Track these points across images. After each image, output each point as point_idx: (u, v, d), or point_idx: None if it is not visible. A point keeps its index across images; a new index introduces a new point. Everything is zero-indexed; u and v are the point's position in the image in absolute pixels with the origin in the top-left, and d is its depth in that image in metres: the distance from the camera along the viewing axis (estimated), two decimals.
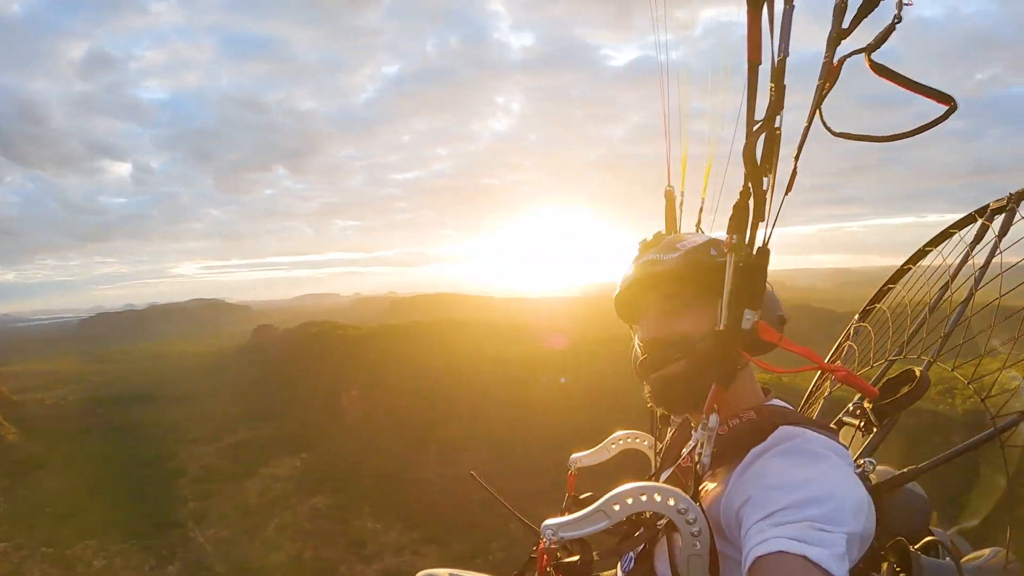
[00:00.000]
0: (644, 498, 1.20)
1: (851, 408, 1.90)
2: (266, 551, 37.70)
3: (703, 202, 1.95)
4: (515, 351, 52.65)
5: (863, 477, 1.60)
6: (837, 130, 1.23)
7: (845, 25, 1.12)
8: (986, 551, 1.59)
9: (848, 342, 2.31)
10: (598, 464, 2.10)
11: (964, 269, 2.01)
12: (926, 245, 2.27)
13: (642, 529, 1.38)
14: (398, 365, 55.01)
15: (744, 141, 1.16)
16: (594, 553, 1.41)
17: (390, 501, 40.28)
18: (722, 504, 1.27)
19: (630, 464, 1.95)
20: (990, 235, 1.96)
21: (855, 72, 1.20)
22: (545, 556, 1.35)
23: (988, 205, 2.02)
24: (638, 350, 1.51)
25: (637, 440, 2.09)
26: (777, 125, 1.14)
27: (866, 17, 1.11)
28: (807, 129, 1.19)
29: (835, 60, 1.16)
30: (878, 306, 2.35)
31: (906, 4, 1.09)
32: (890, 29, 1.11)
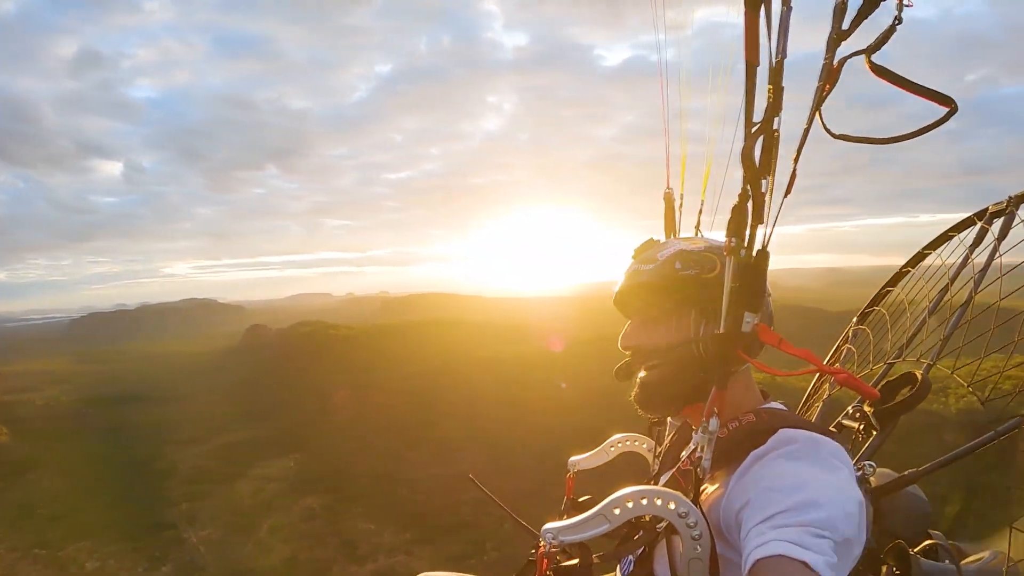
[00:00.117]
0: (645, 502, 1.19)
1: (850, 411, 1.90)
2: (259, 552, 37.58)
3: (703, 203, 1.95)
4: (508, 350, 52.69)
5: (863, 480, 1.60)
6: (836, 132, 1.23)
7: (845, 26, 1.11)
8: (986, 553, 1.59)
9: (847, 344, 2.31)
10: (596, 467, 2.10)
11: (963, 272, 2.01)
12: (925, 248, 2.28)
13: (641, 532, 1.38)
14: (391, 365, 54.97)
15: (743, 143, 1.16)
16: (593, 556, 1.41)
17: (383, 501, 40.22)
18: (722, 507, 1.26)
19: (628, 467, 1.94)
20: (989, 238, 1.96)
21: (846, 73, 1.20)
22: (545, 560, 1.35)
23: (987, 208, 2.02)
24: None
25: (636, 443, 2.09)
26: (775, 127, 1.14)
27: (866, 18, 1.10)
28: (807, 131, 1.19)
29: (835, 62, 1.15)
30: (877, 308, 2.35)
31: (906, 5, 1.09)
32: (891, 30, 1.11)
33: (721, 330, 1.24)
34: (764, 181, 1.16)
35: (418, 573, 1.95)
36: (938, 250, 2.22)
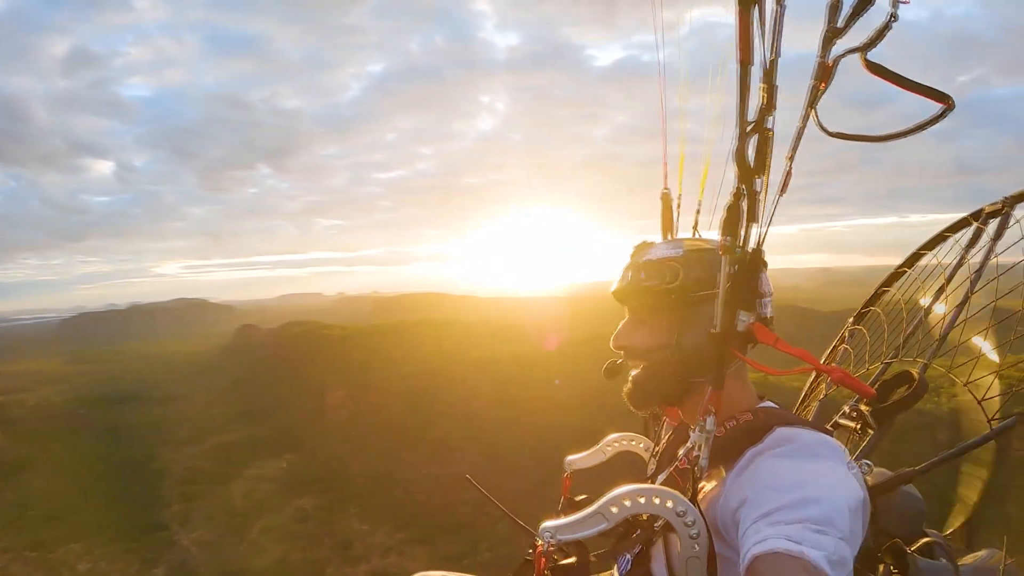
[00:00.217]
0: (642, 500, 1.19)
1: (847, 410, 1.90)
2: (252, 553, 37.43)
3: (700, 204, 1.95)
4: (502, 350, 52.58)
5: (859, 479, 1.60)
6: (832, 130, 1.23)
7: (840, 24, 1.12)
8: (982, 552, 1.59)
9: (844, 344, 2.32)
10: (593, 466, 2.10)
11: (959, 272, 2.03)
12: (921, 248, 2.29)
13: (639, 531, 1.38)
14: (384, 365, 54.79)
15: (736, 142, 1.17)
16: (591, 555, 1.41)
17: (377, 502, 40.12)
18: (719, 505, 1.27)
19: (626, 467, 1.94)
20: (985, 238, 1.98)
21: (841, 73, 1.20)
22: (543, 558, 1.35)
23: (983, 208, 2.03)
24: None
25: (632, 442, 2.08)
26: (769, 126, 1.15)
27: (861, 15, 1.10)
28: (801, 129, 1.19)
29: (829, 60, 1.16)
30: (873, 308, 2.36)
31: (902, 2, 1.08)
32: (885, 27, 1.11)
33: (716, 329, 1.25)
34: (759, 180, 1.17)
35: (413, 573, 1.95)
36: (934, 250, 2.23)
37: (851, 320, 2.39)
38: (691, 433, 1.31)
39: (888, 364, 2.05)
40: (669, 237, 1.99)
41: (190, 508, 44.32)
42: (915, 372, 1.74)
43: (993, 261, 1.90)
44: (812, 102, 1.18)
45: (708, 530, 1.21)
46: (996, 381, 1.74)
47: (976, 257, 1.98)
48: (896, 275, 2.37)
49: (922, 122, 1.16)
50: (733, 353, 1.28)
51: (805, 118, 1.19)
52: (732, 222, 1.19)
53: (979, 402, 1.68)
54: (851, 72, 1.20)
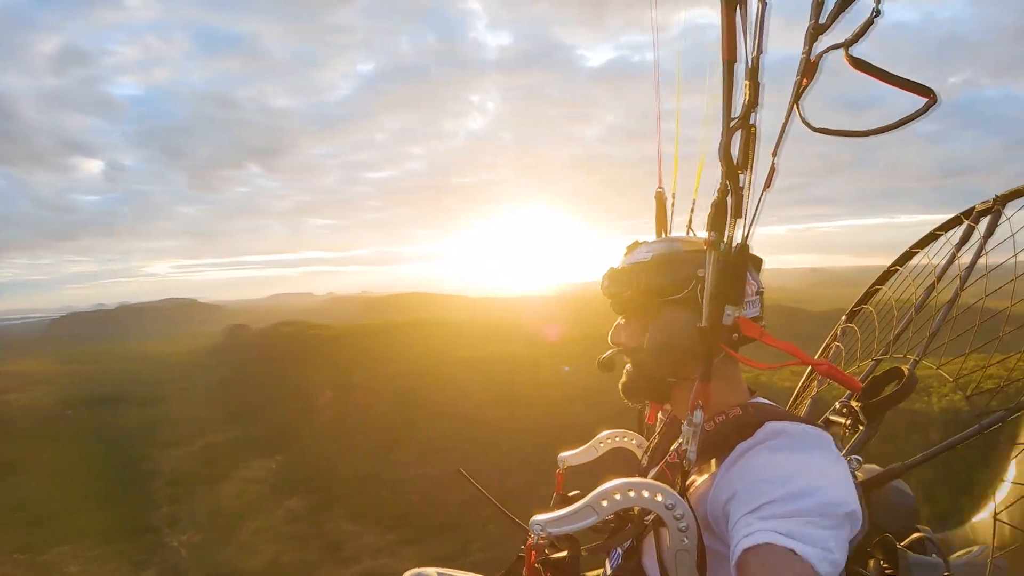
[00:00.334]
0: (632, 494, 1.20)
1: (838, 406, 1.91)
2: (242, 555, 37.19)
3: (694, 202, 1.97)
4: (493, 350, 52.52)
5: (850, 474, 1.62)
6: (816, 125, 1.24)
7: (823, 20, 1.13)
8: (974, 548, 1.60)
9: (835, 342, 2.34)
10: (586, 462, 2.11)
11: (950, 270, 2.04)
12: (913, 247, 2.30)
13: (630, 525, 1.39)
14: (374, 365, 54.57)
15: (721, 139, 1.18)
16: (582, 549, 1.42)
17: (367, 502, 39.93)
18: (709, 499, 1.27)
19: (619, 463, 1.95)
20: (975, 236, 1.99)
21: (829, 74, 1.22)
22: (533, 552, 1.36)
23: (974, 207, 2.04)
24: None
25: (625, 438, 2.09)
26: (754, 122, 1.16)
27: (845, 11, 1.11)
28: (785, 125, 1.20)
29: (813, 56, 1.16)
30: (865, 307, 2.38)
31: None
32: (869, 23, 1.11)
33: (704, 323, 1.27)
34: (743, 176, 1.19)
35: (406, 571, 1.95)
36: (925, 249, 2.25)
37: (844, 318, 2.41)
38: (682, 428, 1.32)
39: (878, 361, 2.06)
40: (663, 235, 2.00)
41: (180, 509, 44.05)
42: (905, 368, 1.76)
43: (983, 259, 1.92)
44: (796, 98, 1.19)
45: (697, 524, 1.21)
46: (984, 378, 1.75)
47: (967, 255, 2.00)
48: (888, 273, 2.38)
49: (906, 117, 1.16)
50: (720, 347, 1.30)
51: (789, 114, 1.20)
52: (718, 218, 1.21)
53: (967, 397, 1.69)
54: (842, 75, 1.21)
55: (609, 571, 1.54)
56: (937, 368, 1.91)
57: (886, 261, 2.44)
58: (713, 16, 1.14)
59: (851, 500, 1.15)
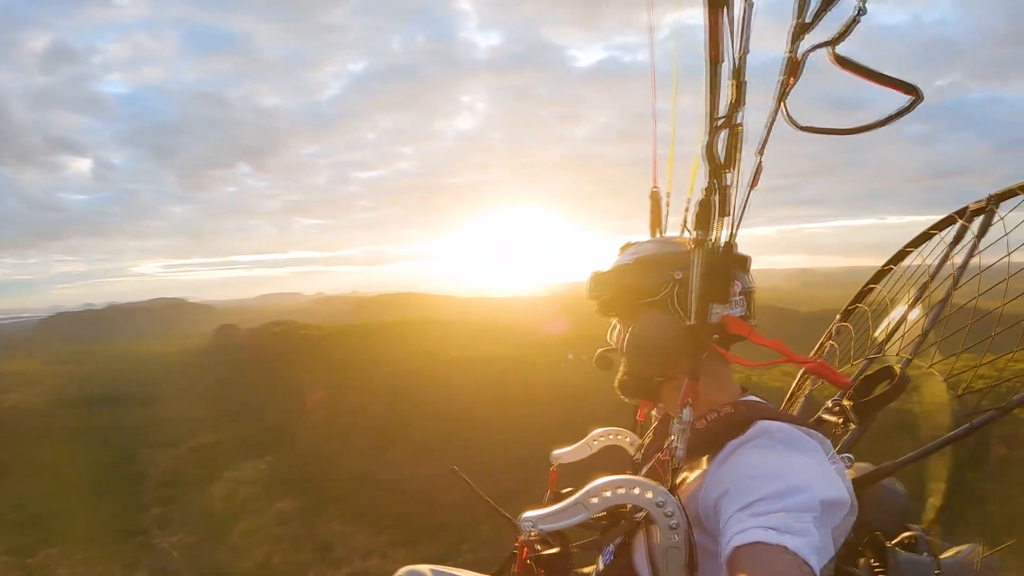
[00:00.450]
0: (622, 491, 1.20)
1: (830, 405, 1.91)
2: (233, 557, 37.01)
3: (689, 202, 1.98)
4: (484, 350, 52.40)
5: (840, 472, 1.62)
6: (802, 124, 1.25)
7: (808, 19, 1.13)
8: (965, 546, 1.60)
9: (830, 341, 2.34)
10: (579, 460, 2.11)
11: (943, 269, 2.05)
12: (907, 246, 2.30)
13: (621, 522, 1.40)
14: (364, 365, 54.32)
15: (706, 138, 1.19)
16: (573, 546, 1.43)
17: (358, 503, 39.79)
18: (700, 496, 1.27)
19: (614, 461, 1.96)
20: (969, 236, 2.00)
21: (817, 73, 1.22)
22: (525, 548, 1.36)
23: (967, 206, 2.05)
24: None
25: (618, 436, 2.09)
26: (738, 121, 1.17)
27: (829, 9, 1.12)
28: (771, 124, 1.21)
29: (798, 55, 1.17)
30: (859, 306, 2.38)
31: None
32: (853, 21, 1.11)
33: (691, 321, 1.28)
34: (728, 175, 1.20)
35: (398, 569, 1.95)
36: (919, 248, 2.26)
37: (838, 317, 2.41)
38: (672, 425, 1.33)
39: (871, 360, 2.07)
40: (657, 235, 2.02)
41: (170, 511, 43.80)
42: (897, 367, 1.76)
43: (976, 259, 1.92)
44: (781, 97, 1.20)
45: (688, 521, 1.22)
46: (975, 377, 1.76)
47: (960, 255, 2.01)
48: (882, 273, 2.38)
49: (891, 114, 1.17)
50: (709, 345, 1.31)
51: (775, 112, 1.21)
52: (703, 217, 1.22)
53: (958, 396, 1.70)
54: (829, 74, 1.22)
55: (601, 568, 1.55)
56: (929, 367, 1.91)
57: (876, 262, 2.45)
58: (701, 17, 1.15)
59: (843, 494, 1.16)
